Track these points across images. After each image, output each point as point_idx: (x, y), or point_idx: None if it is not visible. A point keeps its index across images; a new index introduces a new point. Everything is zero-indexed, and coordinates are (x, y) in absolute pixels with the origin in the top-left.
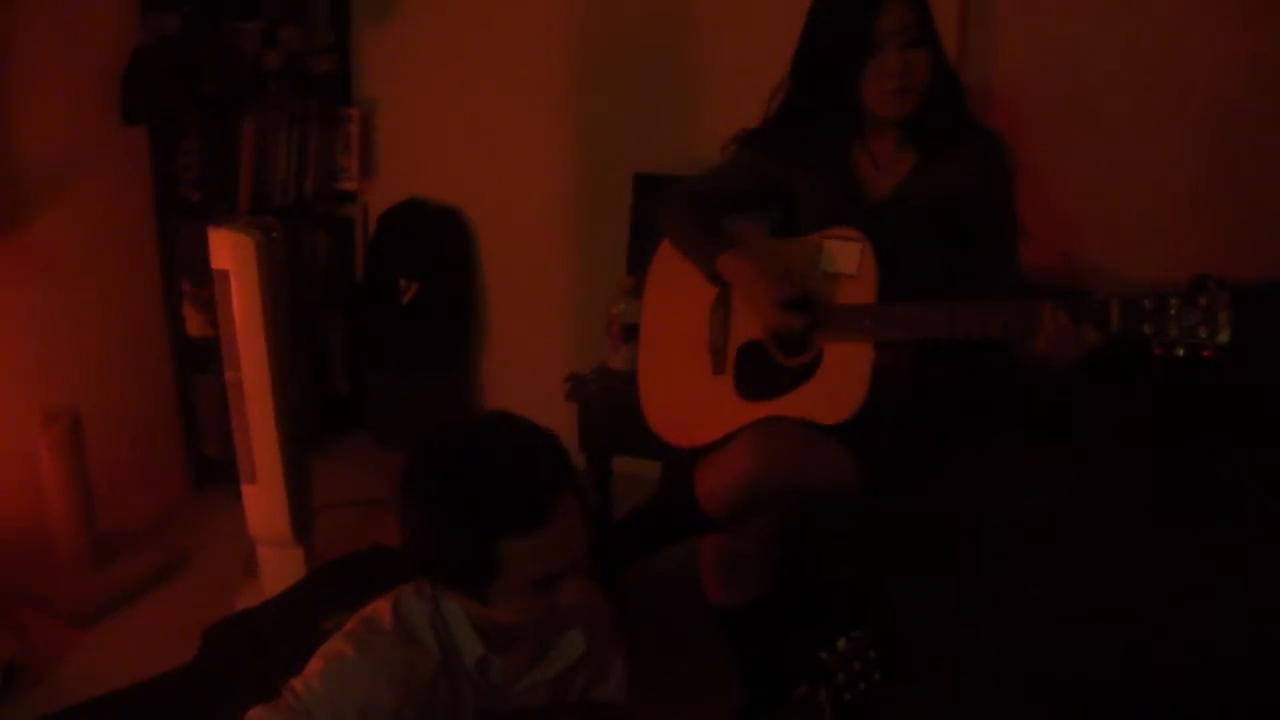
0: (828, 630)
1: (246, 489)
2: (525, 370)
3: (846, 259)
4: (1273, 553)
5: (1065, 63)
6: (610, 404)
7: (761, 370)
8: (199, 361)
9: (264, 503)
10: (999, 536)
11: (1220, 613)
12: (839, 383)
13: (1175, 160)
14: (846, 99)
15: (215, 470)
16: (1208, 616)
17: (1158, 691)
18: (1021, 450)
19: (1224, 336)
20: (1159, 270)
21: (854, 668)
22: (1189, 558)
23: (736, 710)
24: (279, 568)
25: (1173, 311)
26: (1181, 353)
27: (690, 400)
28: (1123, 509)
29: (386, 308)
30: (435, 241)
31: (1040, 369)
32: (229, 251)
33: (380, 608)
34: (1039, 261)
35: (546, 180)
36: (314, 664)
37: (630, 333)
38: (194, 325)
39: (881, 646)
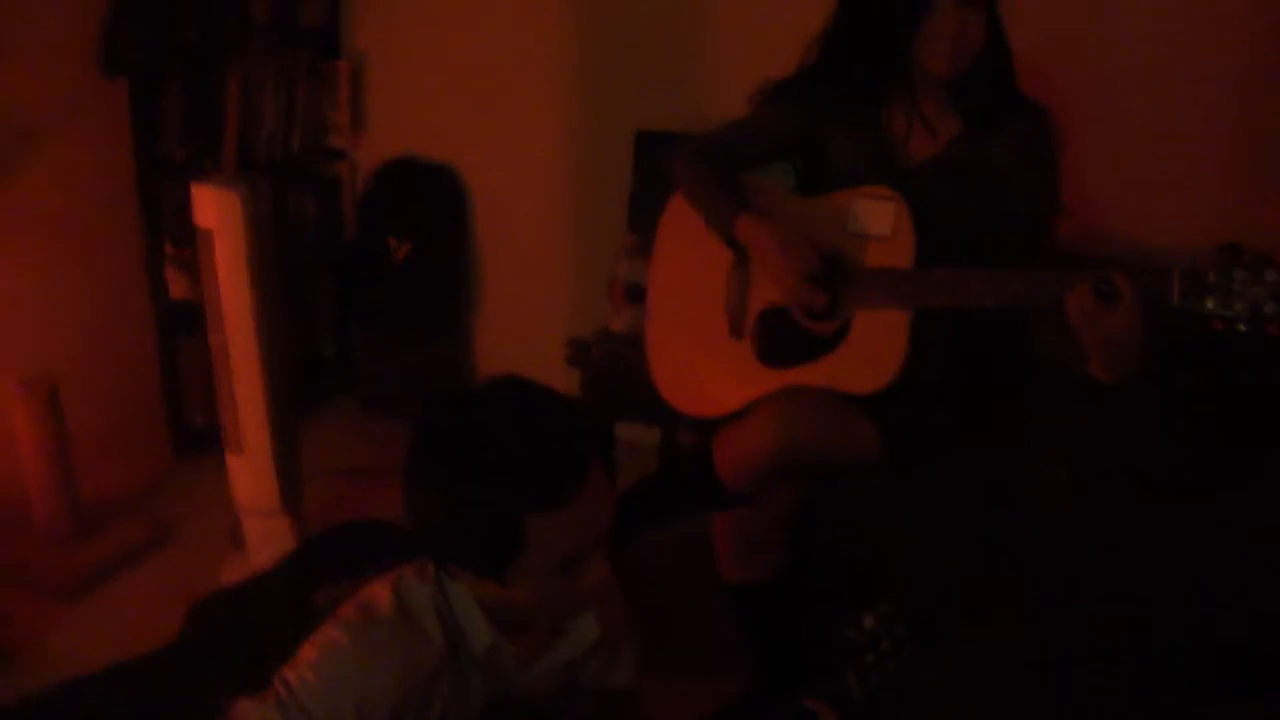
0: (845, 607)
1: (232, 458)
2: (522, 333)
3: (879, 220)
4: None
5: (1091, 27)
6: (613, 368)
7: (785, 335)
8: (183, 326)
9: (250, 472)
10: (1018, 511)
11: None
12: (871, 351)
13: (1201, 126)
14: (894, 56)
15: (200, 438)
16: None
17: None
18: (1043, 424)
19: None
20: (1181, 237)
21: (882, 646)
22: (1206, 536)
23: (744, 689)
24: (266, 540)
25: (1236, 286)
26: (1244, 328)
27: (706, 367)
28: (1142, 485)
29: (377, 269)
30: (428, 200)
31: (1106, 377)
32: (213, 208)
33: (379, 593)
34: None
35: (544, 137)
36: (307, 653)
37: (634, 294)
38: (178, 288)
39: (910, 622)
